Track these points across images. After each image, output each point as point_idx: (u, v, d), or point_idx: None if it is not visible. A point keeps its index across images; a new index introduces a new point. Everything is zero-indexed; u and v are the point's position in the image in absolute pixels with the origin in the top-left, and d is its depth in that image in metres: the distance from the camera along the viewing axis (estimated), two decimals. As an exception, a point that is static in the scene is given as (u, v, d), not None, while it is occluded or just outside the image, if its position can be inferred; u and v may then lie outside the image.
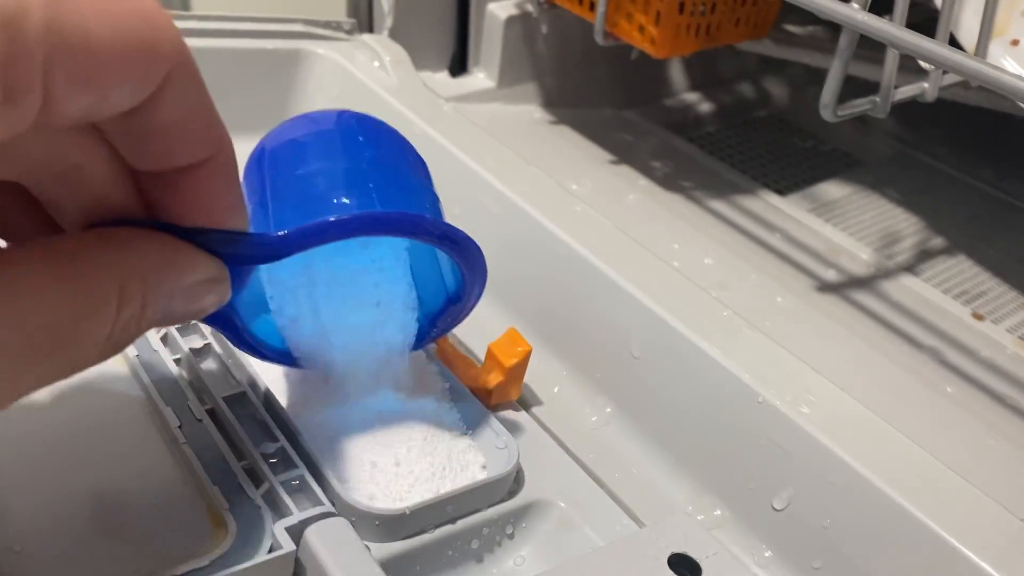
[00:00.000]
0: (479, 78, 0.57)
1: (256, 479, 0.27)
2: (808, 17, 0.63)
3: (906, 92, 0.41)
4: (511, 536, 0.31)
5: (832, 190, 0.57)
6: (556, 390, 0.37)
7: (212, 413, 0.29)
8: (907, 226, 0.54)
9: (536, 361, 0.35)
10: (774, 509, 0.31)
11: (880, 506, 0.29)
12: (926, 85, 0.42)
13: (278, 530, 0.25)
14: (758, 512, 0.31)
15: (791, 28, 0.58)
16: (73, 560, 0.24)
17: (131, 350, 0.31)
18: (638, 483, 0.33)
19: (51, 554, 0.24)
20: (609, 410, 0.36)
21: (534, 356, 0.35)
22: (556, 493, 0.32)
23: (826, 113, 0.39)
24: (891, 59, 0.39)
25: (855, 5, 0.36)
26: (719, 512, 0.32)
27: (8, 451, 0.27)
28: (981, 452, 0.37)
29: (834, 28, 0.40)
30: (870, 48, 0.44)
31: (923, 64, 0.39)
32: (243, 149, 0.47)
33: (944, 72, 0.42)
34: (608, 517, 0.31)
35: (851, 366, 0.40)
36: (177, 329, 0.32)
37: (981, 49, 0.42)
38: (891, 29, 0.36)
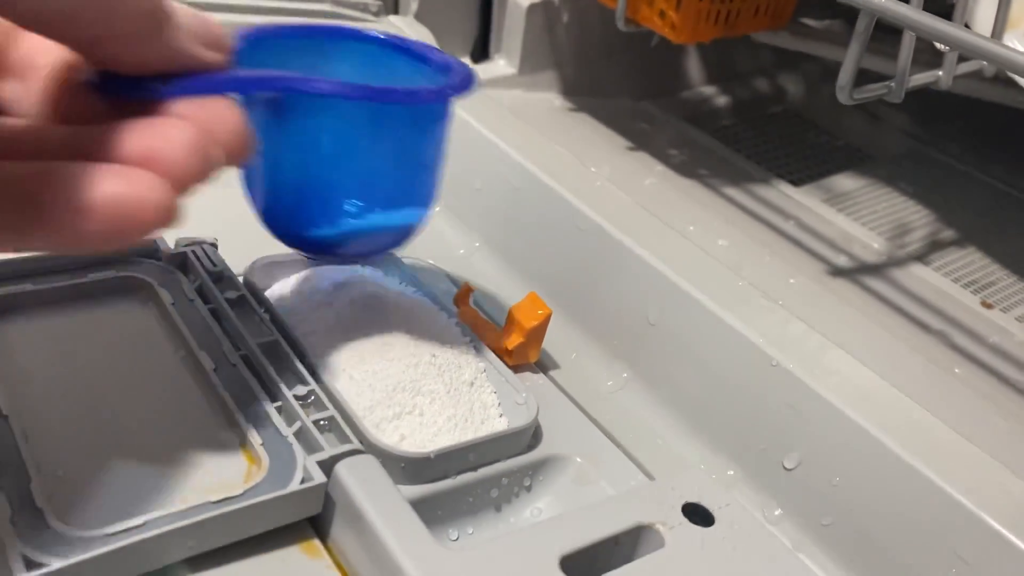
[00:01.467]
0: (500, 64, 0.58)
1: (288, 418, 0.28)
2: (825, 11, 0.64)
3: (921, 79, 0.42)
4: (529, 488, 0.32)
5: (845, 182, 0.58)
6: (573, 356, 0.38)
7: (246, 359, 0.30)
8: (918, 218, 0.55)
9: (555, 328, 0.36)
10: (785, 468, 0.32)
11: (889, 464, 0.29)
12: (940, 73, 0.43)
13: (310, 463, 0.26)
14: (769, 472, 0.32)
15: (808, 21, 0.59)
16: (112, 487, 0.25)
17: (167, 298, 0.32)
18: (653, 443, 0.34)
19: (92, 481, 0.25)
20: (625, 375, 0.37)
21: (553, 323, 0.36)
22: (573, 449, 0.33)
23: (842, 96, 0.40)
24: (907, 42, 0.40)
25: (873, -11, 0.37)
26: (731, 472, 0.33)
27: (56, 387, 0.28)
28: (987, 425, 0.37)
29: (850, 21, 0.41)
30: (886, 41, 0.46)
31: (939, 46, 0.40)
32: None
33: (958, 61, 0.43)
34: (623, 472, 0.32)
35: (861, 341, 0.40)
36: (214, 281, 0.33)
37: (996, 38, 0.43)
38: (908, 11, 0.37)
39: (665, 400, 0.36)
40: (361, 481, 0.26)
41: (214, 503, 0.25)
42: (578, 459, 0.32)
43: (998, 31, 0.43)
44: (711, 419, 0.34)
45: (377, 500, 0.26)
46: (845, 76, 0.40)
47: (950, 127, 0.64)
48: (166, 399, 0.29)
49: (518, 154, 0.42)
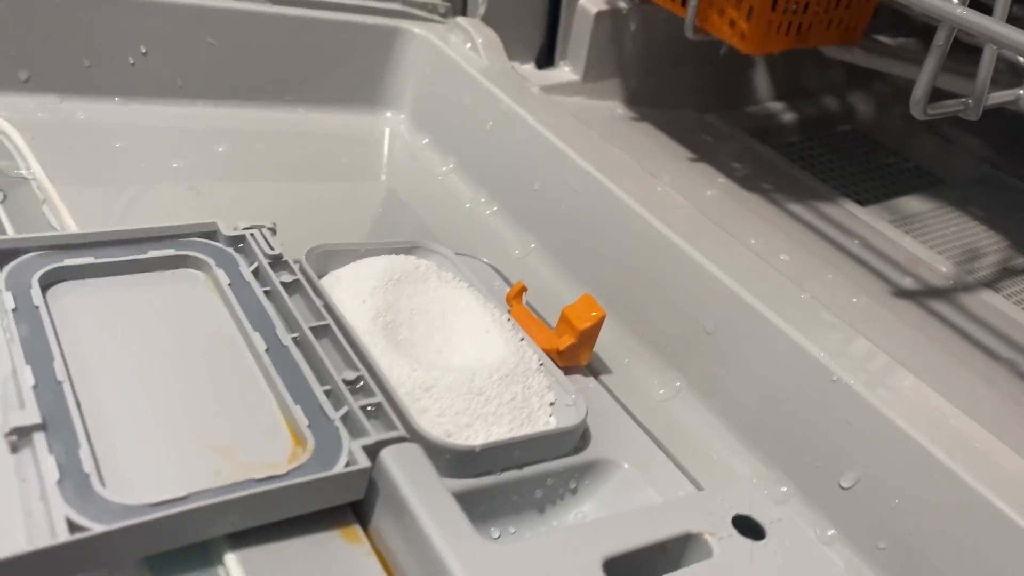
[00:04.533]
0: (565, 71, 0.58)
1: (336, 402, 0.28)
2: (899, 29, 0.63)
3: (1000, 97, 0.41)
4: (574, 491, 0.31)
5: (914, 204, 0.57)
6: (626, 361, 0.37)
7: (297, 341, 0.30)
8: (989, 244, 0.54)
9: (608, 332, 0.36)
10: (841, 488, 0.31)
11: (951, 489, 0.28)
12: (1022, 92, 0.41)
13: (355, 448, 0.26)
14: (824, 490, 0.31)
15: (882, 38, 0.58)
16: (158, 458, 0.26)
17: (224, 278, 0.32)
18: (703, 454, 0.33)
19: (138, 450, 0.26)
20: (678, 384, 0.36)
21: (606, 327, 0.35)
22: (621, 454, 0.32)
23: (916, 110, 0.39)
24: (987, 57, 0.39)
25: (953, 0, 0.36)
26: (784, 488, 0.32)
27: (110, 358, 0.29)
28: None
29: (926, 40, 0.40)
30: (960, 60, 0.44)
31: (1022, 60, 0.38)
32: (336, 119, 0.49)
33: (1041, 81, 0.41)
34: (671, 481, 0.31)
35: (923, 364, 0.39)
36: (270, 265, 0.33)
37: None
38: (990, 24, 0.36)
39: (718, 411, 0.35)
40: (405, 469, 0.26)
41: (257, 480, 0.25)
42: (626, 465, 0.32)
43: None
44: (766, 433, 0.33)
45: (421, 489, 0.26)
46: (920, 90, 0.39)
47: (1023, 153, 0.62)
48: (217, 376, 0.29)
49: (579, 157, 0.42)
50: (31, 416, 0.25)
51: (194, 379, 0.29)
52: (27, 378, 0.26)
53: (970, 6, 0.39)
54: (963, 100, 0.40)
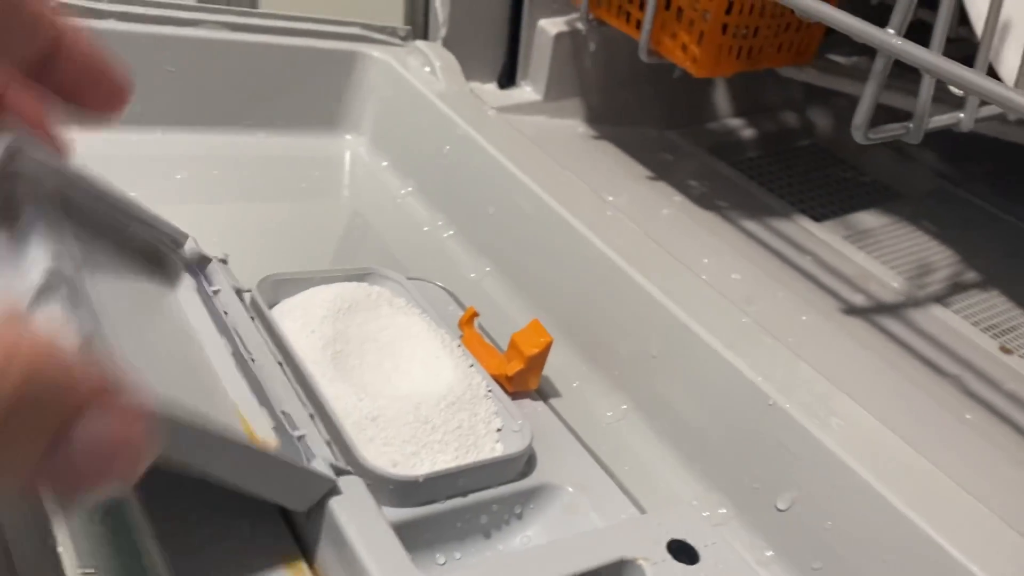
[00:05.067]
0: (526, 91, 0.59)
1: (291, 425, 0.28)
2: (852, 47, 0.64)
3: (942, 120, 0.42)
4: (519, 516, 0.32)
5: (868, 220, 0.58)
6: (576, 385, 0.38)
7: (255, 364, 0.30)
8: (941, 259, 0.55)
9: (557, 356, 0.37)
10: (777, 510, 0.32)
11: (882, 512, 0.29)
12: (962, 115, 0.42)
13: (317, 463, 0.26)
14: (762, 512, 0.32)
15: (835, 57, 0.59)
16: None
17: (192, 284, 0.32)
18: (648, 477, 0.34)
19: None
20: (625, 407, 0.37)
21: (555, 351, 0.36)
22: (566, 479, 0.33)
23: (857, 135, 0.40)
24: (926, 85, 0.40)
25: (891, 31, 0.37)
26: (724, 510, 0.33)
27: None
28: (993, 476, 0.37)
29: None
30: (911, 80, 0.45)
31: (954, 90, 0.39)
32: (296, 143, 0.49)
33: (980, 104, 0.42)
34: (615, 505, 0.32)
35: (868, 382, 0.40)
36: (219, 292, 0.33)
37: (1022, 83, 0.43)
38: (925, 55, 0.37)
39: (663, 434, 0.36)
40: (347, 503, 0.27)
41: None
42: (570, 489, 0.32)
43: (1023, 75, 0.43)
44: (707, 455, 0.34)
45: (361, 524, 0.26)
46: (860, 116, 0.40)
47: (980, 167, 0.64)
48: (178, 372, 0.29)
49: (531, 181, 0.42)
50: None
51: (156, 370, 0.28)
52: None
53: (912, 30, 0.40)
54: (905, 124, 0.42)
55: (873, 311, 0.48)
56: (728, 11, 0.45)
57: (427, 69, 0.51)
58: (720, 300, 0.37)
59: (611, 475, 0.34)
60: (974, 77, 0.36)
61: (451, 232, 0.46)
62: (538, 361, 0.35)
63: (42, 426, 0.17)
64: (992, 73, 0.43)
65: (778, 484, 0.32)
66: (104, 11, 0.43)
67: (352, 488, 0.27)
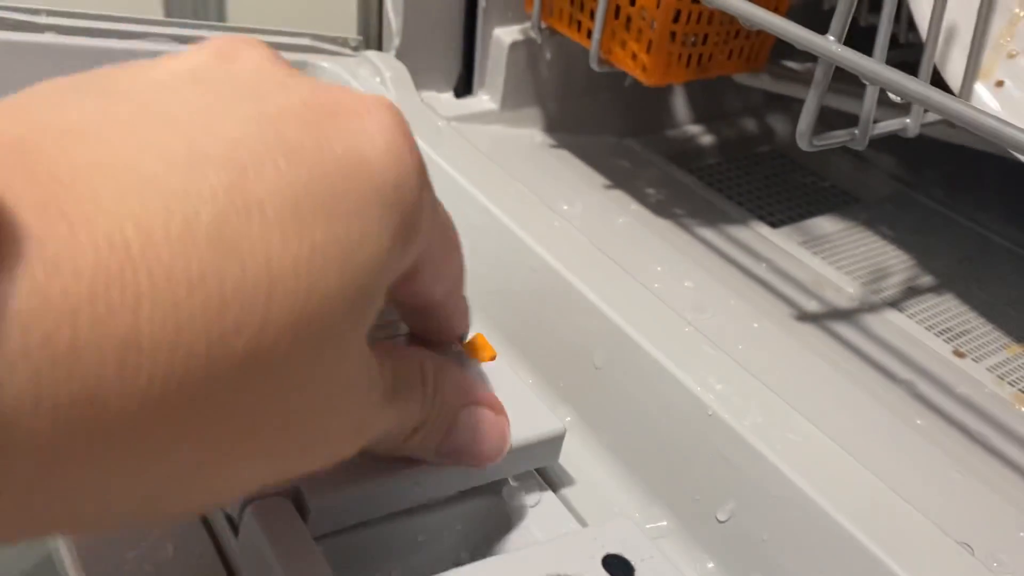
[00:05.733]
0: (483, 100, 0.59)
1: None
2: (807, 54, 0.64)
3: (887, 127, 0.42)
4: (460, 532, 0.32)
5: (826, 225, 0.58)
6: (521, 397, 0.38)
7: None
8: (897, 263, 0.55)
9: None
10: (718, 521, 0.31)
11: (818, 523, 0.29)
12: (908, 120, 0.43)
13: None
14: (703, 523, 0.32)
15: (790, 64, 0.59)
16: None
17: None
18: (591, 490, 0.34)
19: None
20: (569, 419, 0.37)
21: (500, 363, 0.36)
22: (508, 493, 0.32)
23: (802, 142, 0.40)
24: (869, 93, 0.40)
25: (831, 37, 0.37)
26: (665, 522, 0.33)
27: None
28: (939, 482, 0.37)
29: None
30: (861, 84, 0.45)
31: (893, 98, 0.40)
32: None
33: (926, 110, 0.42)
34: (557, 519, 0.32)
35: (816, 390, 0.40)
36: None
37: (966, 89, 0.43)
38: (866, 62, 0.37)
39: (607, 446, 0.35)
40: (272, 526, 0.26)
41: None
42: (513, 503, 0.32)
43: (968, 80, 0.43)
44: (650, 467, 0.34)
45: (287, 546, 0.26)
46: (804, 123, 0.40)
47: (937, 170, 0.64)
48: None
49: (479, 192, 0.42)
50: None
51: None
52: None
53: (865, 36, 0.40)
54: (850, 131, 0.42)
55: (826, 317, 0.48)
56: (676, 19, 0.45)
57: (377, 79, 0.50)
58: (665, 310, 0.37)
59: (554, 489, 0.33)
60: (914, 85, 0.36)
61: (400, 244, 0.45)
62: (480, 374, 0.35)
63: None
64: (938, 77, 0.43)
65: (718, 495, 0.32)
66: (42, 24, 0.43)
67: (278, 509, 0.27)
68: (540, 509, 0.32)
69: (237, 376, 0.17)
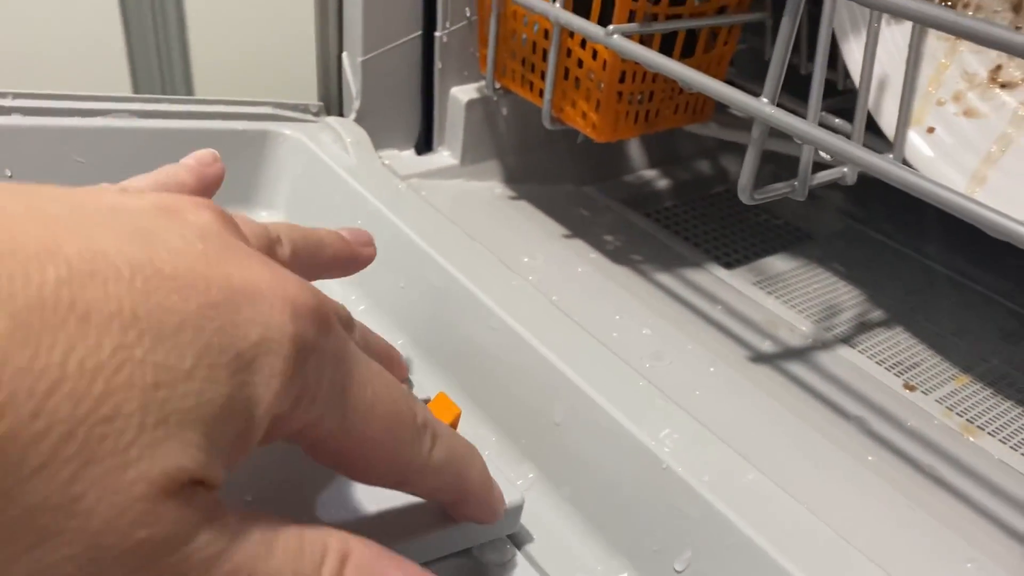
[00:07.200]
0: (443, 156, 0.61)
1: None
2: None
3: (826, 176, 0.44)
4: (427, 592, 0.33)
5: (779, 264, 0.60)
6: (486, 455, 0.39)
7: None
8: (848, 299, 0.57)
9: (466, 427, 0.38)
10: (675, 571, 0.33)
11: (769, 571, 0.30)
12: (845, 170, 0.45)
13: None
14: (661, 574, 0.33)
15: (736, 112, 0.61)
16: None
17: None
18: (554, 545, 0.35)
19: None
20: (532, 475, 0.38)
21: (464, 422, 0.37)
22: (473, 549, 0.33)
23: (743, 196, 0.42)
24: (806, 150, 0.42)
25: (764, 100, 0.39)
26: (626, 574, 0.34)
27: None
28: (890, 518, 0.38)
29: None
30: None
31: (823, 155, 0.42)
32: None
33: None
34: (521, 574, 0.33)
35: (769, 434, 0.42)
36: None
37: (900, 137, 0.45)
38: (798, 124, 0.39)
39: (568, 500, 0.37)
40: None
41: None
42: (478, 558, 0.33)
43: (902, 128, 0.45)
44: (610, 520, 0.35)
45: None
46: (744, 178, 0.42)
47: (884, 205, 0.66)
48: None
49: (438, 254, 0.44)
50: None
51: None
52: None
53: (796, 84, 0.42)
54: (790, 183, 0.44)
55: (780, 357, 0.50)
56: (622, 79, 0.47)
57: (338, 145, 0.52)
58: (620, 365, 0.38)
59: (518, 545, 0.35)
60: (843, 145, 0.37)
61: (363, 307, 0.47)
62: (444, 436, 0.36)
63: None
64: (873, 125, 0.46)
65: (675, 546, 0.33)
66: (8, 107, 0.44)
67: None
68: (507, 566, 0.33)
69: None
